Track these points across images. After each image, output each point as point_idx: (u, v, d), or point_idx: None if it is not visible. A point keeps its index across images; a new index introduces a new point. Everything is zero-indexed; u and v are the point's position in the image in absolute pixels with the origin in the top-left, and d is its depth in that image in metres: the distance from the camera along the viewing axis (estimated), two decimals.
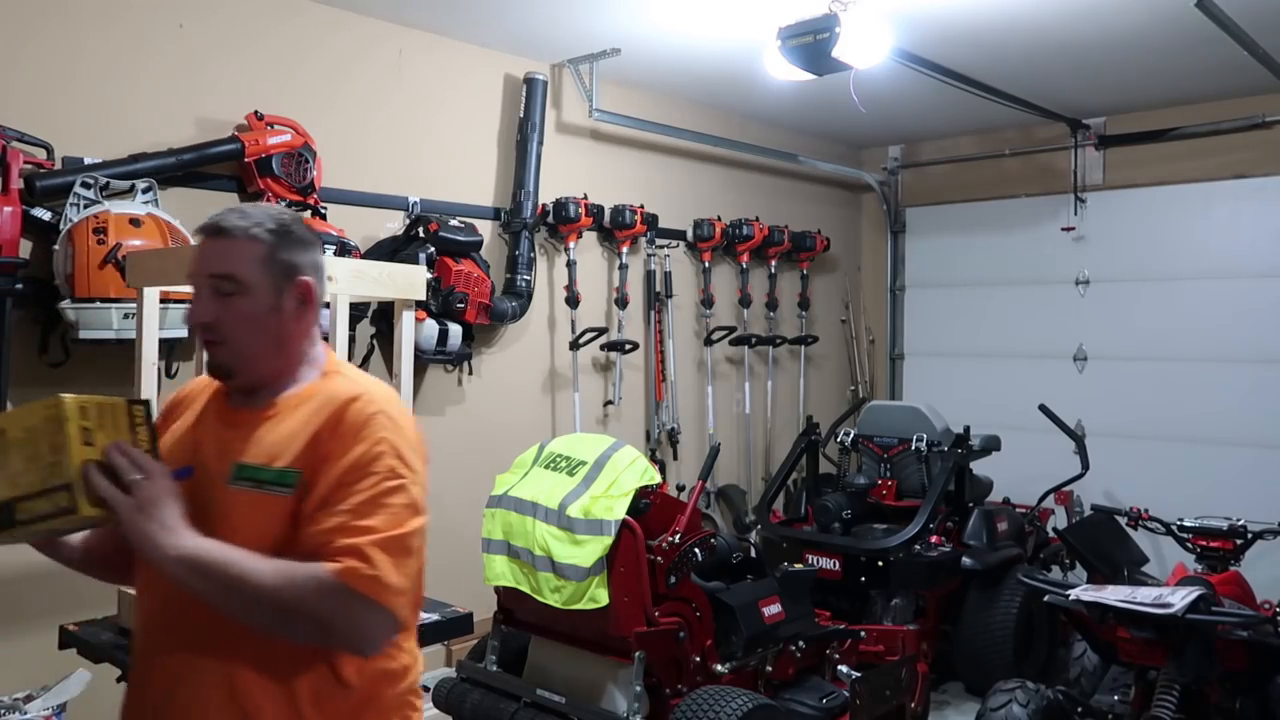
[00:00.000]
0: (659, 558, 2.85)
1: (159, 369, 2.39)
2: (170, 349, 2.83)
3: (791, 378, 5.58)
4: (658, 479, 2.98)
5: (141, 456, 1.26)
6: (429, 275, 3.33)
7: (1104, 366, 5.17)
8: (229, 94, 3.18)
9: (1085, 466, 4.57)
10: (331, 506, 1.27)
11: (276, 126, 3.16)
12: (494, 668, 2.95)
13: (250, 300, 1.35)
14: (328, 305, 2.51)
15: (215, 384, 1.44)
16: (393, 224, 3.64)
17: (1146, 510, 3.47)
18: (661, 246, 4.66)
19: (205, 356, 1.39)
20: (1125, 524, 3.59)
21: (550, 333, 4.25)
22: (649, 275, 4.66)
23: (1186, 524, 3.23)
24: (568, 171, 4.24)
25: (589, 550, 2.69)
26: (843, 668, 3.21)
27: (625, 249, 4.50)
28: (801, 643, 3.23)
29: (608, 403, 4.49)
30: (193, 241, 1.39)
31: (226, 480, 1.32)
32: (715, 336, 4.94)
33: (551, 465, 2.94)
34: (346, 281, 2.25)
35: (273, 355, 1.39)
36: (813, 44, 3.20)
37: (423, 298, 2.44)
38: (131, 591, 2.15)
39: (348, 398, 1.35)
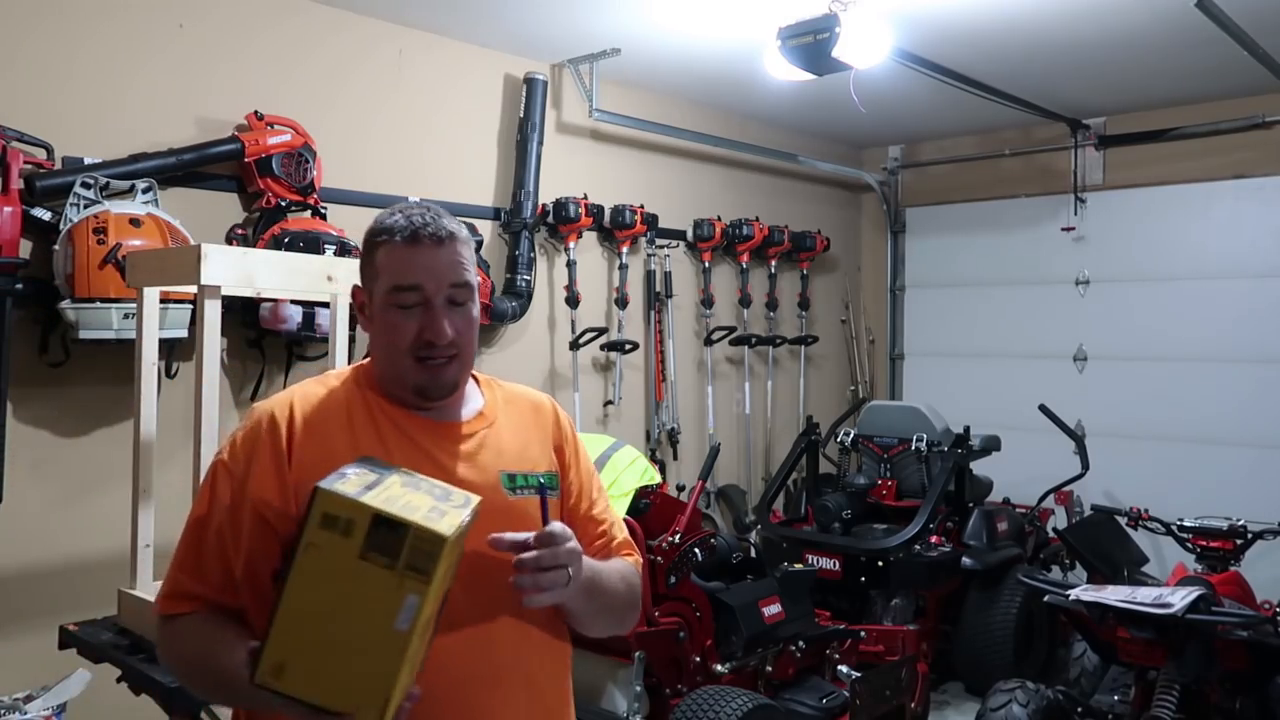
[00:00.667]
0: (659, 558, 2.85)
1: (159, 369, 2.38)
2: (170, 349, 2.84)
3: (791, 378, 5.58)
4: (658, 479, 2.98)
5: (558, 528, 1.19)
6: None
7: (1104, 366, 5.17)
8: (229, 94, 3.18)
9: (1085, 466, 4.57)
10: (586, 504, 1.40)
11: (276, 126, 3.16)
12: None
13: (474, 308, 1.32)
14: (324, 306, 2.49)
15: (341, 399, 1.30)
16: None
17: (1146, 510, 3.47)
18: (661, 246, 4.66)
19: (418, 377, 1.26)
20: (1125, 524, 3.59)
21: (550, 333, 4.25)
22: (649, 275, 4.66)
23: (1186, 524, 3.23)
24: (568, 171, 4.24)
25: None
26: (843, 668, 3.21)
27: (625, 249, 4.50)
28: (801, 643, 3.23)
29: (608, 403, 4.49)
30: (398, 251, 1.26)
31: (503, 491, 1.28)
32: (715, 336, 4.94)
33: None
34: (346, 281, 2.24)
35: (472, 365, 1.36)
36: (813, 44, 3.20)
37: None
38: (134, 592, 2.16)
39: (549, 402, 1.45)
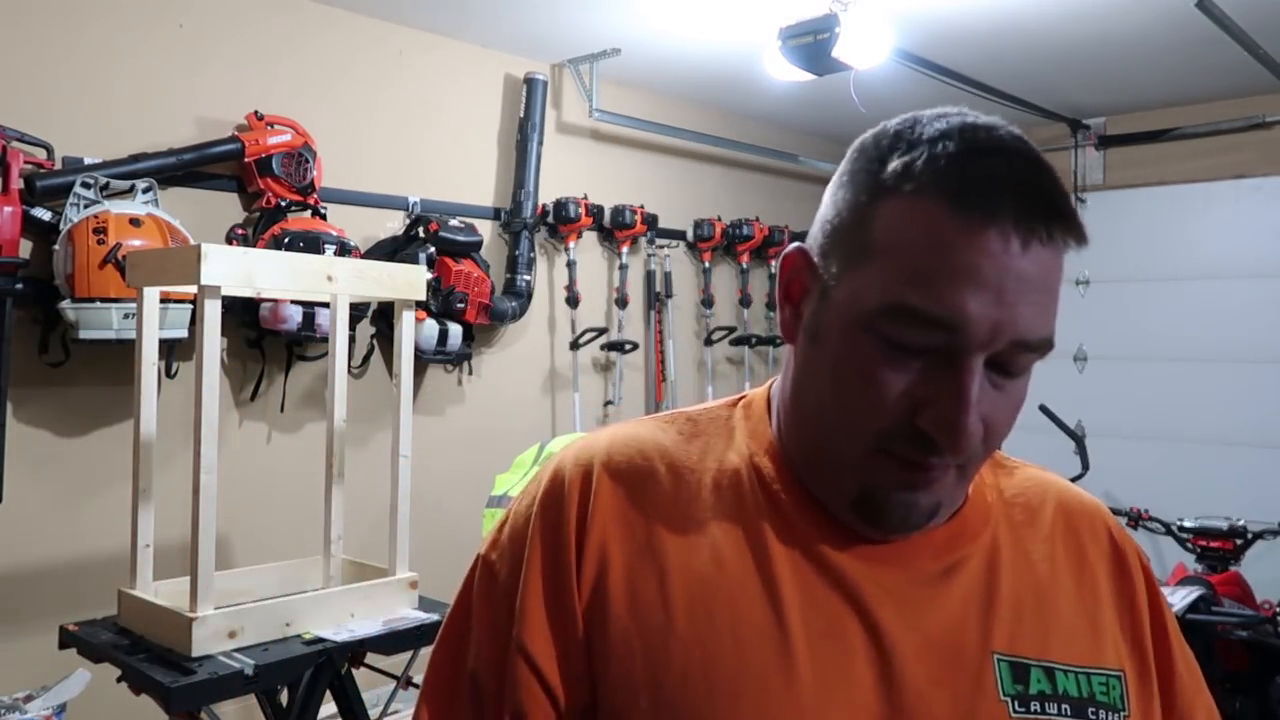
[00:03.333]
0: None
1: (159, 369, 2.39)
2: (170, 349, 2.84)
3: None
4: None
5: None
6: (429, 275, 3.33)
7: (1104, 366, 5.17)
8: (229, 94, 3.18)
9: (1085, 466, 4.56)
10: None
11: (276, 126, 3.16)
12: None
13: (1027, 382, 0.67)
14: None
15: (704, 470, 0.71)
16: (393, 224, 3.64)
17: (1146, 510, 3.47)
18: (661, 246, 4.66)
19: (876, 483, 0.64)
20: (1125, 524, 3.59)
21: (550, 333, 4.25)
22: (649, 275, 4.66)
23: (1186, 524, 3.24)
24: (568, 171, 4.24)
25: None
26: None
27: (625, 249, 4.50)
28: None
29: (608, 403, 4.49)
30: (940, 224, 0.60)
31: (998, 699, 0.64)
32: (715, 336, 4.94)
33: None
34: (346, 281, 2.25)
35: None
36: (813, 44, 3.20)
37: (423, 298, 2.44)
38: (134, 592, 2.16)
39: (1092, 505, 0.77)
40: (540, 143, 3.99)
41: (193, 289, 2.06)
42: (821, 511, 0.68)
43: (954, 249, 0.59)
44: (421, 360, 3.57)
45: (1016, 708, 0.63)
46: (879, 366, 0.62)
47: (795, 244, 0.70)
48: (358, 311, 3.25)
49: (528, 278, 3.95)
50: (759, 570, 0.66)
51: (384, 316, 3.47)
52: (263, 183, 3.11)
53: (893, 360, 0.61)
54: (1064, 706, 0.64)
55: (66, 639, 2.23)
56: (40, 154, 2.74)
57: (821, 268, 0.67)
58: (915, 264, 0.60)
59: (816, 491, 0.68)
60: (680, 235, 4.83)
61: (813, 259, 0.68)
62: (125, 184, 2.79)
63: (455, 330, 3.56)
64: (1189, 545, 3.22)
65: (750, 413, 0.75)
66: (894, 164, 0.63)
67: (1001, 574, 0.68)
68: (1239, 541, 3.13)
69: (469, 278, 3.59)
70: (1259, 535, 3.12)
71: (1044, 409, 4.65)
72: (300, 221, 3.13)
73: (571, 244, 4.22)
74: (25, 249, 2.70)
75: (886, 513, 0.65)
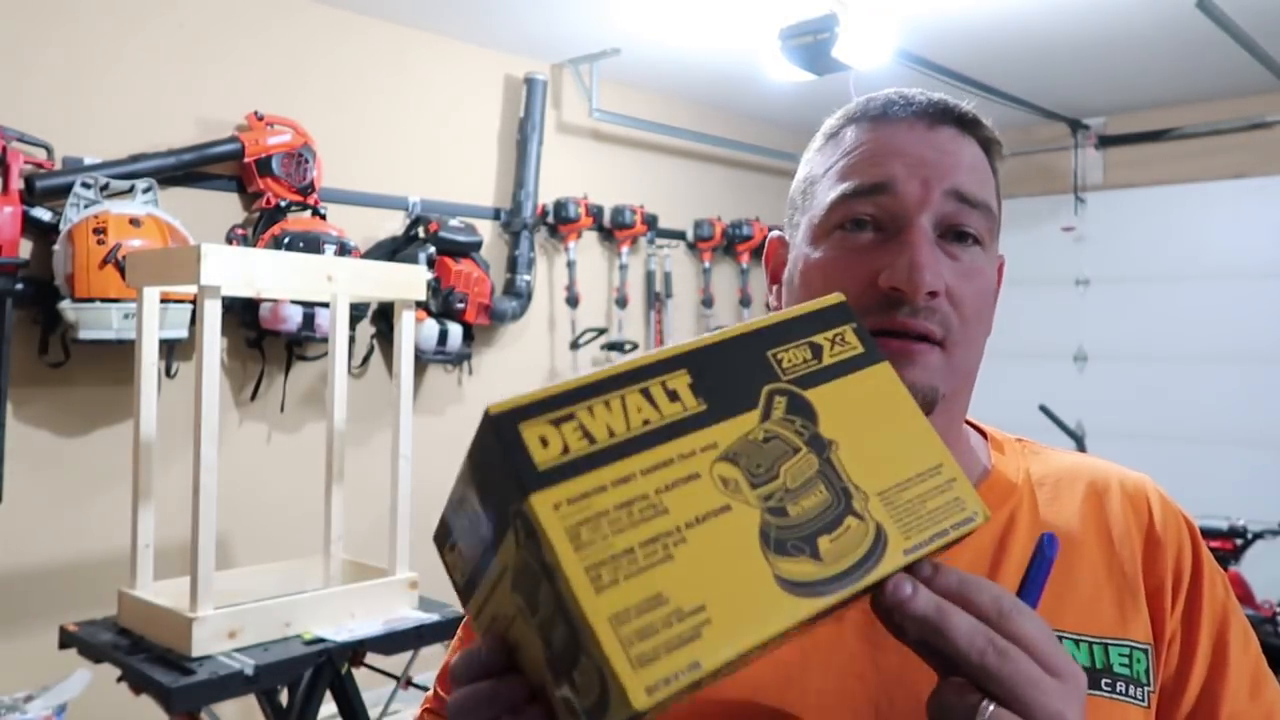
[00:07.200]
0: None
1: (159, 369, 2.39)
2: (170, 349, 2.84)
3: None
4: None
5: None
6: (429, 275, 3.33)
7: (1104, 366, 5.17)
8: (229, 94, 3.18)
9: None
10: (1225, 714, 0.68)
11: (276, 126, 3.16)
12: None
13: (989, 266, 0.72)
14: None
15: None
16: (393, 224, 3.64)
17: None
18: (661, 246, 4.67)
19: None
20: None
21: (550, 333, 4.25)
22: (649, 275, 4.66)
23: None
24: (568, 171, 4.24)
25: None
26: None
27: (625, 249, 4.50)
28: None
29: None
30: (855, 136, 0.73)
31: None
32: None
33: None
34: (346, 281, 2.25)
35: (970, 384, 0.77)
36: (813, 44, 3.20)
37: (423, 298, 2.44)
38: (134, 592, 2.16)
39: (1145, 486, 0.75)
40: (540, 143, 3.99)
41: (193, 289, 2.06)
42: None
43: (877, 138, 0.70)
44: (421, 360, 3.57)
45: None
46: (839, 254, 0.69)
47: (773, 232, 0.80)
48: (358, 311, 3.26)
49: (528, 278, 3.96)
50: None
51: (384, 316, 3.48)
52: (263, 183, 3.12)
53: (849, 245, 0.68)
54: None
55: (66, 639, 2.23)
56: (40, 154, 2.74)
57: (787, 234, 0.77)
58: (849, 161, 0.71)
59: None
60: (680, 235, 4.83)
61: (784, 237, 0.79)
62: (125, 184, 2.80)
63: (455, 330, 3.56)
64: None
65: None
66: (829, 129, 0.77)
67: (1012, 547, 0.68)
68: (1239, 541, 3.13)
69: (469, 278, 3.59)
70: (1259, 535, 3.12)
71: (1044, 409, 4.65)
72: (300, 222, 3.13)
73: (571, 244, 4.22)
74: (25, 249, 2.70)
75: None
